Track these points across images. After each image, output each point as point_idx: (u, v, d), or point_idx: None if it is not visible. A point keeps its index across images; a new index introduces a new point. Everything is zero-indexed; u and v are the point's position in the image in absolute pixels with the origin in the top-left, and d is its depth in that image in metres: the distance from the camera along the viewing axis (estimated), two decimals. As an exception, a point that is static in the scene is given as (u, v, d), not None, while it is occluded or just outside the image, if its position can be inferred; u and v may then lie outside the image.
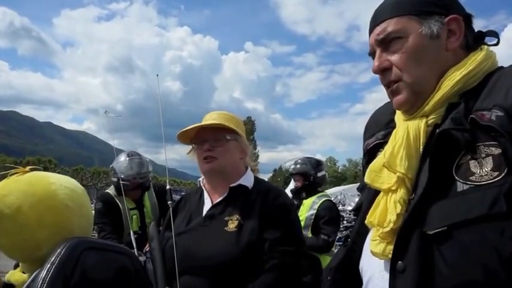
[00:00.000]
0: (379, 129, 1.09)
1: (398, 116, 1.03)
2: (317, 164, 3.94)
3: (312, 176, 3.86)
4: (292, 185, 3.97)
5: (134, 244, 2.19)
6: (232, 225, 1.56)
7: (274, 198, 1.63)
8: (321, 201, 3.69)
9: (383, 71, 0.98)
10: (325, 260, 3.46)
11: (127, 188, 3.32)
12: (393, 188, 0.92)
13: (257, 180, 1.74)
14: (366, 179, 0.99)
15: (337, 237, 8.16)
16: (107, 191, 3.59)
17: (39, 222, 1.13)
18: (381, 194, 0.96)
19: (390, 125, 1.04)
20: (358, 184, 1.16)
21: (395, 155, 0.93)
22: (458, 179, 0.81)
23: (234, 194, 1.66)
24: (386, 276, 0.88)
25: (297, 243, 1.59)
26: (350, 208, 11.32)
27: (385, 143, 1.00)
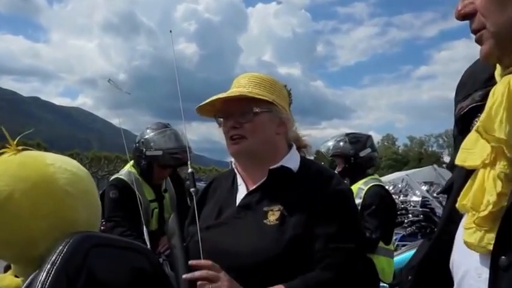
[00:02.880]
0: (475, 88, 1.03)
1: (499, 70, 0.97)
2: (356, 141, 3.86)
3: (353, 157, 3.79)
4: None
5: (148, 243, 2.18)
6: (272, 217, 1.54)
7: (326, 183, 1.60)
8: (367, 187, 3.61)
9: (465, 18, 0.93)
10: (380, 262, 3.40)
11: (173, 164, 3.36)
12: (487, 162, 0.87)
13: (304, 161, 1.71)
14: (457, 161, 0.95)
15: (400, 235, 7.92)
16: (120, 176, 3.45)
17: (34, 212, 1.13)
18: (477, 170, 0.91)
19: (490, 83, 0.98)
20: (447, 163, 1.10)
21: (492, 118, 0.87)
22: None
23: (275, 179, 1.64)
24: (485, 274, 0.84)
25: (356, 239, 1.55)
26: (415, 199, 10.95)
27: (484, 106, 0.93)
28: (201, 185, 1.92)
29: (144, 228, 2.49)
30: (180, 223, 1.70)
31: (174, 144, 3.34)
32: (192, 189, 1.64)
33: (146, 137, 3.41)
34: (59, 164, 1.20)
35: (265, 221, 1.54)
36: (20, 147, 1.23)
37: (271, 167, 1.64)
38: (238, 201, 1.67)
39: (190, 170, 1.70)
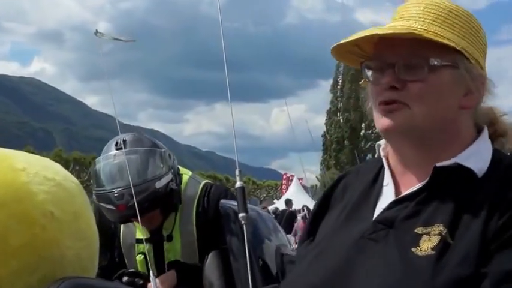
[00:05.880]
0: None
1: None
2: None
3: None
4: None
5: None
6: (427, 245, 1.49)
7: None
8: None
9: None
10: None
11: (116, 218, 3.36)
12: None
13: (499, 157, 1.63)
14: None
15: None
16: None
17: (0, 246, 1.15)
18: None
19: None
20: None
21: None
22: None
23: (444, 182, 1.58)
24: None
25: None
26: None
27: None
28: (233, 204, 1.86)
29: (151, 274, 2.52)
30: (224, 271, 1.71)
31: (107, 184, 3.37)
32: (241, 215, 1.62)
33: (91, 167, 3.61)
34: (36, 170, 1.23)
35: (414, 250, 1.49)
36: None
37: (438, 164, 1.57)
38: (378, 210, 1.64)
39: (239, 183, 1.67)
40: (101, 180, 3.36)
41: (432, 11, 1.57)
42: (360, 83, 1.72)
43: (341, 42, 1.58)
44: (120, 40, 2.61)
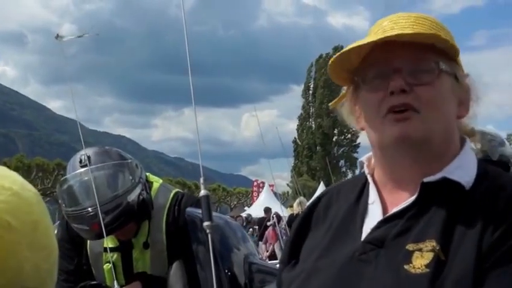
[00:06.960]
0: None
1: None
2: None
3: None
4: None
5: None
6: (420, 262, 1.48)
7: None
8: None
9: None
10: None
11: (92, 238, 3.38)
12: None
13: (485, 169, 1.63)
14: None
15: None
16: None
17: None
18: None
19: None
20: None
21: None
22: None
23: (432, 197, 1.58)
24: None
25: None
26: None
27: None
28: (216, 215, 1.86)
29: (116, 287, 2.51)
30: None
31: (78, 204, 3.36)
32: (206, 224, 1.60)
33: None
34: (-9, 179, 1.22)
35: (407, 267, 1.49)
36: None
37: (426, 180, 1.58)
38: (366, 231, 1.64)
39: (203, 191, 1.66)
40: (71, 200, 3.35)
41: (423, 23, 1.57)
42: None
43: (347, 48, 1.55)
44: (85, 35, 2.59)
